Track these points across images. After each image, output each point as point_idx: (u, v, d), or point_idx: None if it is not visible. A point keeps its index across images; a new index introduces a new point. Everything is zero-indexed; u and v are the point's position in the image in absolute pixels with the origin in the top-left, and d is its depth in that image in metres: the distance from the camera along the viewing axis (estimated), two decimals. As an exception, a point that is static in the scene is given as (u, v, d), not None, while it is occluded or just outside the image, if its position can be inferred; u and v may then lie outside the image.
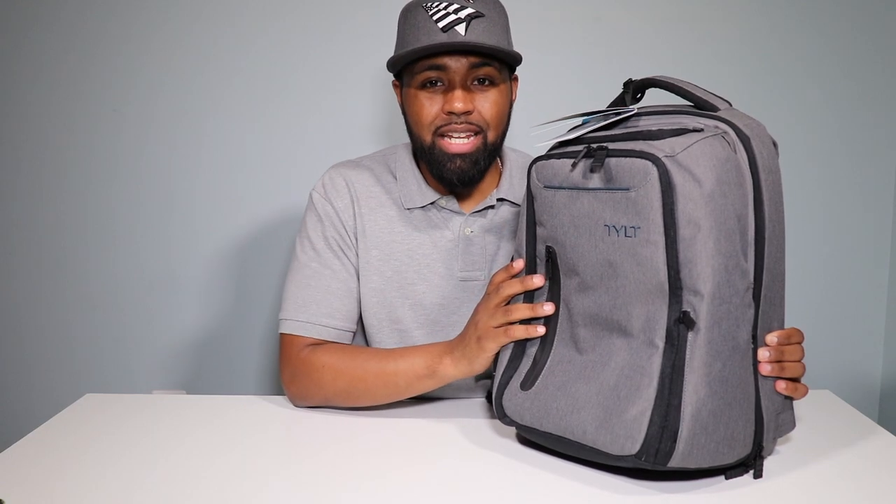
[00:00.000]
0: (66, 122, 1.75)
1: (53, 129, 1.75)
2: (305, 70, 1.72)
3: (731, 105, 0.86)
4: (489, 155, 1.08)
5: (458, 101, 1.03)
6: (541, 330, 0.92)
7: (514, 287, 0.94)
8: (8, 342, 1.82)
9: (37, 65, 1.73)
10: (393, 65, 1.07)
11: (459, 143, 1.05)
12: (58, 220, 1.78)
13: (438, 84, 1.05)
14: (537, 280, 0.93)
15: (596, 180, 0.81)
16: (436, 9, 1.03)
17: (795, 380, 0.84)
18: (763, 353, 0.80)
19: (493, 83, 1.05)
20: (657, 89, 0.90)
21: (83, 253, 1.78)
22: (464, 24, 1.02)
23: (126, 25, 1.71)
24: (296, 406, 1.09)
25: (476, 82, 1.05)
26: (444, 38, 1.01)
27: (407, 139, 1.16)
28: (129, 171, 1.76)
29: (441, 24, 1.02)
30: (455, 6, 1.02)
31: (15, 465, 0.88)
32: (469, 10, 1.02)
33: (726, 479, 0.82)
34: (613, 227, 0.80)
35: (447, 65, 1.03)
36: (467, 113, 1.04)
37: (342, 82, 1.73)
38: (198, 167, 1.75)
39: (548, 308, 0.92)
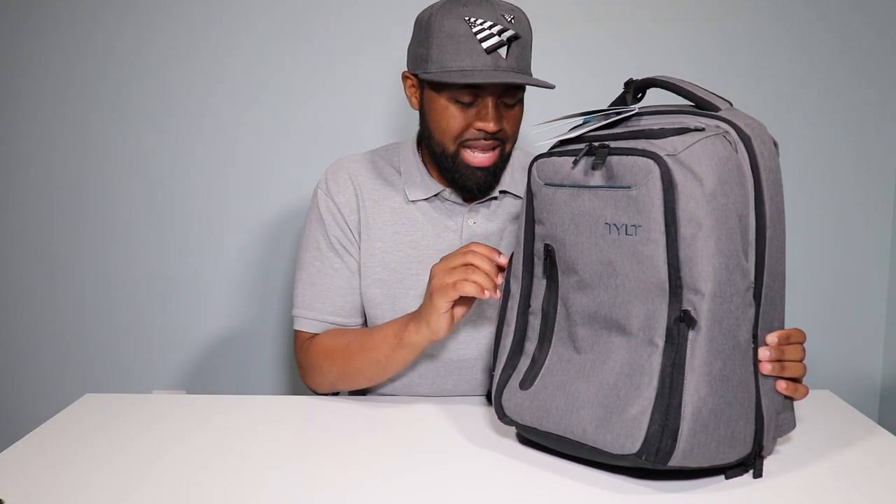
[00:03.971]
0: (67, 123, 1.75)
1: (54, 129, 1.75)
2: (315, 66, 1.73)
3: (731, 105, 0.86)
4: (504, 163, 1.11)
5: (492, 123, 1.04)
6: (496, 294, 0.94)
7: (482, 261, 0.95)
8: (8, 342, 1.82)
9: (37, 66, 1.73)
10: (434, 81, 1.04)
11: (483, 156, 1.07)
12: (58, 220, 1.78)
13: (470, 96, 1.06)
14: (502, 259, 0.97)
15: (597, 178, 0.81)
16: (480, 26, 1.01)
17: (796, 380, 0.84)
18: (763, 353, 0.80)
19: (519, 101, 1.08)
20: (658, 89, 0.90)
21: (83, 252, 1.78)
22: (505, 47, 1.02)
23: (129, 22, 1.71)
24: (317, 394, 1.16)
25: (504, 105, 1.07)
26: (488, 61, 1.01)
27: (411, 135, 1.18)
28: (131, 171, 1.76)
29: (485, 45, 1.01)
30: (498, 27, 1.02)
31: (15, 465, 0.88)
32: (510, 33, 1.02)
33: (726, 478, 0.82)
34: (614, 225, 0.80)
35: (485, 86, 1.04)
36: (498, 131, 1.06)
37: (352, 78, 1.73)
38: (199, 167, 1.75)
39: (503, 259, 0.96)
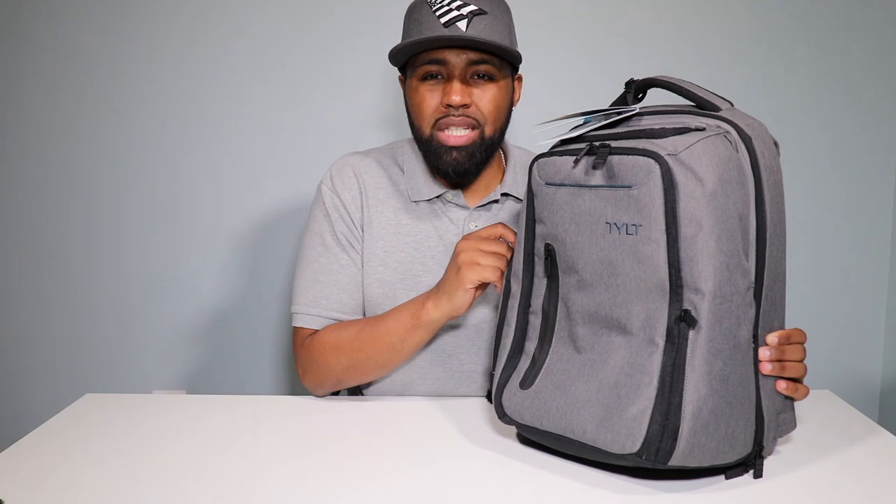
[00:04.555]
0: (66, 123, 1.74)
1: (55, 129, 1.75)
2: (308, 69, 1.73)
3: (732, 105, 0.86)
4: (486, 149, 1.09)
5: (456, 95, 1.04)
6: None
7: (507, 250, 0.99)
8: (8, 342, 1.81)
9: (38, 66, 1.73)
10: (394, 56, 1.08)
11: (457, 135, 1.07)
12: (58, 220, 1.77)
13: (439, 77, 1.07)
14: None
15: (598, 178, 0.81)
16: (439, 5, 1.04)
17: (797, 380, 0.84)
18: (764, 353, 0.80)
19: (492, 79, 1.07)
20: (659, 89, 0.90)
21: (83, 252, 1.78)
22: (465, 20, 1.03)
23: (125, 23, 1.71)
24: (317, 396, 1.12)
25: (475, 77, 1.06)
26: (444, 33, 1.03)
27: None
28: (131, 171, 1.76)
29: (443, 20, 1.03)
30: (458, 3, 1.04)
31: (15, 465, 0.88)
32: (472, 7, 1.04)
33: (726, 478, 0.82)
34: (615, 224, 0.80)
35: (447, 59, 1.05)
36: (465, 106, 1.06)
37: (350, 75, 1.73)
38: (199, 167, 1.75)
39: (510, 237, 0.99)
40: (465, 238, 1.01)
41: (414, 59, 1.08)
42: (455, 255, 1.01)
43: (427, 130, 1.09)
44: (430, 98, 1.07)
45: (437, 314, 1.03)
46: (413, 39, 1.03)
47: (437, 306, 1.03)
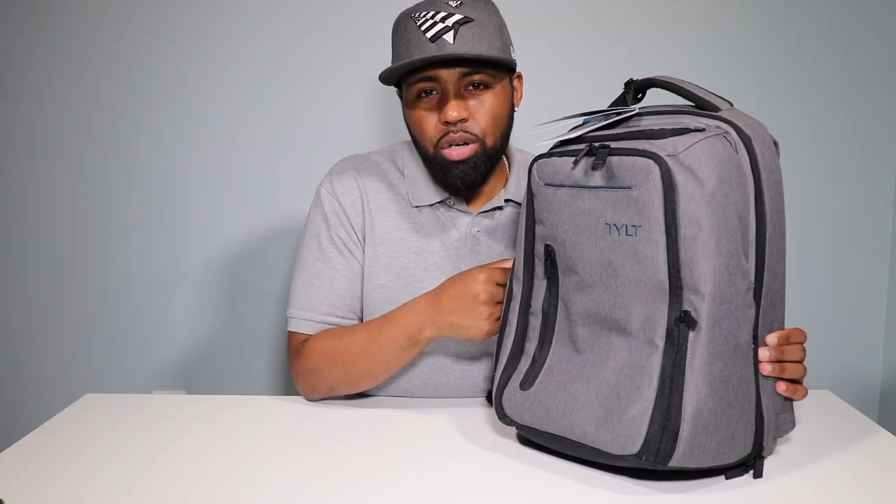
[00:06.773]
0: (67, 123, 1.75)
1: (53, 129, 1.75)
2: (307, 71, 1.73)
3: (732, 105, 0.86)
4: (490, 159, 1.07)
5: (453, 111, 1.02)
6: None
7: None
8: (8, 342, 1.82)
9: (35, 65, 1.73)
10: (386, 79, 1.07)
11: (458, 150, 1.05)
12: (58, 221, 1.78)
13: (433, 93, 1.05)
14: (508, 264, 1.02)
15: (597, 178, 0.81)
16: (423, 18, 1.02)
17: (796, 381, 0.84)
18: (763, 353, 0.80)
19: (487, 87, 1.05)
20: (658, 89, 0.90)
21: (84, 253, 1.78)
22: (451, 31, 1.01)
23: (127, 24, 1.71)
24: (310, 400, 1.11)
25: (471, 87, 1.04)
26: (432, 49, 1.01)
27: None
28: (130, 172, 1.76)
29: (429, 35, 1.01)
30: (442, 14, 1.02)
31: (15, 465, 0.88)
32: (457, 17, 1.01)
33: (726, 479, 0.82)
34: (614, 225, 0.80)
35: (439, 75, 1.03)
36: (462, 121, 1.04)
37: (343, 84, 1.73)
38: (198, 167, 1.75)
39: (508, 265, 1.01)
40: (480, 270, 1.00)
41: (406, 77, 1.06)
42: (472, 287, 0.99)
43: (430, 149, 1.07)
44: (429, 117, 1.05)
45: (436, 335, 1.03)
46: (399, 63, 1.02)
47: (438, 332, 1.02)
